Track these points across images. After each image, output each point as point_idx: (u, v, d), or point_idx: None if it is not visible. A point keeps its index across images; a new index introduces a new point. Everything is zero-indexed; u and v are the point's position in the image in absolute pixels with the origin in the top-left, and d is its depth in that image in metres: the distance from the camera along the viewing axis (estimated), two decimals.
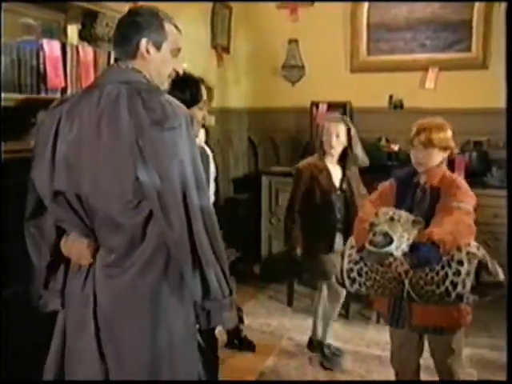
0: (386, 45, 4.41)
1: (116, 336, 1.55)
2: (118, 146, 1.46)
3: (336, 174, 3.05)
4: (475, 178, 3.62)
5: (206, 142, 2.32)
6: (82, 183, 1.52)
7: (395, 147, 4.16)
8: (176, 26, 1.65)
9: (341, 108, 4.33)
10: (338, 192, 3.03)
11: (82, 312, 1.58)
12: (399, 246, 1.94)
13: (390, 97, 4.38)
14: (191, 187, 1.47)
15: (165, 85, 1.66)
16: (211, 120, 2.15)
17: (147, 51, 1.57)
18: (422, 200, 2.13)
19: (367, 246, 1.99)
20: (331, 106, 4.37)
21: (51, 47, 2.10)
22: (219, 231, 1.56)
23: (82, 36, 2.47)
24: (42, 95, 2.07)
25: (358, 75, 4.47)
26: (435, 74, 4.24)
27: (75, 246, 1.58)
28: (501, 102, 3.36)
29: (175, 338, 1.55)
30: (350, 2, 4.44)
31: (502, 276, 1.97)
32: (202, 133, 2.36)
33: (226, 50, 4.56)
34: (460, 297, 1.94)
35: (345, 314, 3.56)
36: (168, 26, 1.61)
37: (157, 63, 1.60)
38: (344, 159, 3.05)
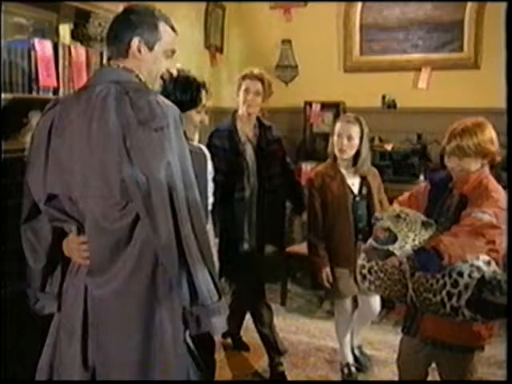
0: (379, 45, 4.43)
1: (103, 344, 1.53)
2: (107, 147, 1.43)
3: (353, 178, 2.71)
4: None
5: (199, 142, 2.31)
6: (74, 185, 1.51)
7: (388, 147, 4.18)
8: (172, 27, 1.62)
9: (334, 108, 4.37)
10: (358, 198, 2.69)
11: (72, 316, 1.57)
12: (403, 245, 1.81)
13: (383, 97, 4.39)
14: (179, 190, 1.43)
15: (156, 85, 1.64)
16: (205, 119, 2.13)
17: (139, 51, 1.55)
18: (449, 207, 1.98)
19: (370, 240, 1.90)
20: (324, 106, 4.40)
21: (43, 47, 2.10)
22: (208, 236, 1.53)
23: (74, 36, 2.46)
24: (34, 95, 2.07)
25: (352, 75, 4.48)
26: (428, 74, 4.26)
27: (75, 246, 1.57)
28: (492, 102, 3.40)
29: (164, 344, 1.50)
30: (343, 2, 4.45)
31: (505, 299, 1.72)
32: (196, 136, 2.34)
33: (220, 49, 4.57)
34: (455, 310, 1.79)
35: None
36: (163, 27, 1.58)
37: (148, 63, 1.58)
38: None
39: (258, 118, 2.82)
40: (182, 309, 1.50)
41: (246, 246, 2.70)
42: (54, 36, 2.42)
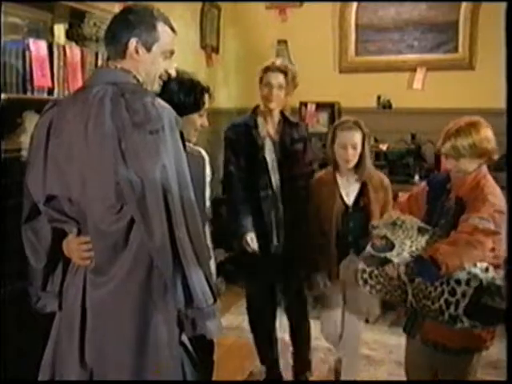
0: (375, 45, 4.43)
1: (99, 344, 1.53)
2: (103, 149, 1.43)
3: (349, 188, 2.48)
4: None
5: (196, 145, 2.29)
6: (72, 186, 1.50)
7: (383, 147, 4.19)
8: (172, 28, 1.60)
9: (329, 108, 4.38)
10: (351, 210, 2.46)
11: (72, 316, 1.57)
12: (400, 252, 1.81)
13: (379, 97, 4.40)
14: (174, 192, 1.42)
15: (155, 86, 1.62)
16: (206, 123, 2.11)
17: (136, 52, 1.54)
18: (448, 210, 1.93)
19: (368, 247, 1.92)
20: (320, 106, 4.41)
21: (38, 47, 2.09)
22: (203, 239, 1.52)
23: (69, 36, 2.45)
24: (29, 95, 2.06)
25: (347, 76, 4.48)
26: (423, 75, 4.27)
27: (75, 246, 1.57)
28: (487, 102, 3.41)
29: (159, 346, 1.50)
30: (338, 2, 4.46)
31: (504, 305, 1.69)
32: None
33: (216, 50, 4.56)
34: (454, 318, 1.78)
35: None
36: (161, 27, 1.56)
37: (146, 64, 1.56)
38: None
39: (283, 114, 2.65)
40: (177, 311, 1.49)
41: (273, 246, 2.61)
42: (49, 36, 2.41)
